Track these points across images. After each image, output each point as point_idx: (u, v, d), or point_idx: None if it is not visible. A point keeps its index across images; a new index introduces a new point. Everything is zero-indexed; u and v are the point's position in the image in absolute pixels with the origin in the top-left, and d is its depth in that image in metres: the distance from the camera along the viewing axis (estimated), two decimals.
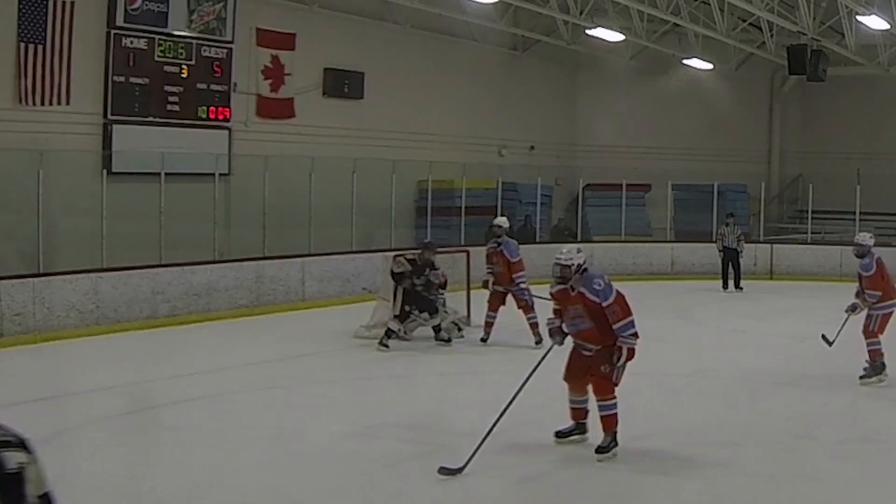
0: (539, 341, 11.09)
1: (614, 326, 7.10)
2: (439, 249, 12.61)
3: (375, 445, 7.52)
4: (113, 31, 14.23)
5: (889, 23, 18.01)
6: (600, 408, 7.21)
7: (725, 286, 18.08)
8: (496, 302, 12.06)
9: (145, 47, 14.64)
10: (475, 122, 20.73)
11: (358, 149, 17.13)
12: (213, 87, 15.64)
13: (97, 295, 12.40)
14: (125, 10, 14.25)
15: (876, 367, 9.83)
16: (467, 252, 13.67)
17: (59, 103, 13.60)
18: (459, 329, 12.46)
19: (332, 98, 17.75)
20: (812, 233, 21.53)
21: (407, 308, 11.74)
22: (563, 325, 7.39)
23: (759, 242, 20.63)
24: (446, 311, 12.26)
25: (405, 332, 11.85)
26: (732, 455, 7.35)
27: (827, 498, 6.59)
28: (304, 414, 8.71)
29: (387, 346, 11.46)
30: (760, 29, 20.37)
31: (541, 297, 11.59)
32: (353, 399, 9.47)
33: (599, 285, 7.16)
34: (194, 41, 15.30)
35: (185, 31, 15.15)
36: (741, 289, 18.02)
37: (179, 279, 13.41)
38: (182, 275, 13.45)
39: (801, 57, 19.05)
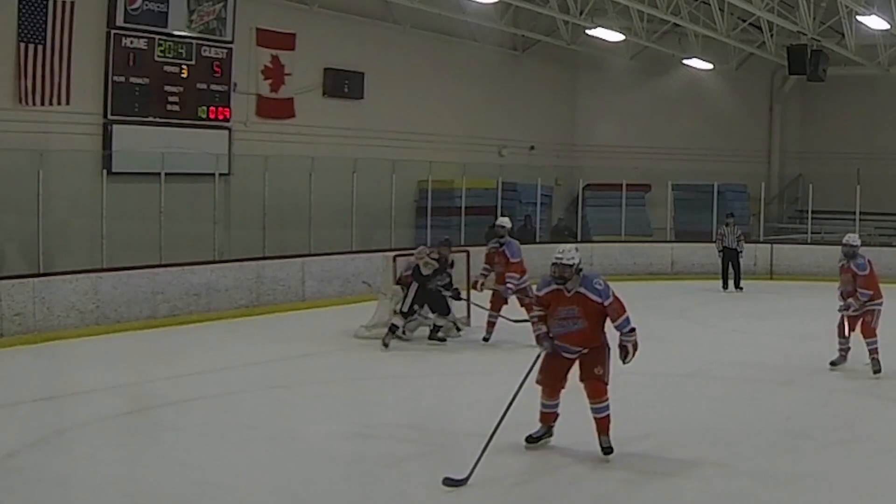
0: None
1: (615, 324, 7.14)
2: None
3: (375, 445, 7.52)
4: (113, 31, 14.25)
5: (889, 23, 18.01)
6: (596, 410, 7.19)
7: (725, 286, 18.09)
8: (498, 302, 12.09)
9: (145, 47, 14.66)
10: (475, 122, 20.72)
11: (358, 149, 17.13)
12: (213, 87, 15.66)
13: (97, 295, 12.40)
14: (125, 10, 14.27)
15: (877, 362, 10.15)
16: (467, 252, 13.67)
17: (59, 103, 13.62)
18: (458, 329, 12.47)
19: (332, 98, 17.75)
20: (812, 233, 21.51)
21: (416, 307, 11.73)
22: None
23: (758, 242, 20.64)
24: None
25: (405, 332, 11.85)
26: (732, 455, 7.35)
27: (827, 498, 6.58)
28: (304, 414, 8.70)
29: (387, 344, 11.47)
30: (760, 29, 20.38)
31: (507, 319, 11.71)
32: (353, 399, 9.45)
33: (600, 285, 7.19)
34: (194, 41, 15.32)
35: (185, 31, 15.16)
36: (741, 289, 18.03)
37: (179, 279, 13.41)
38: (182, 275, 13.45)
39: (801, 57, 19.06)
